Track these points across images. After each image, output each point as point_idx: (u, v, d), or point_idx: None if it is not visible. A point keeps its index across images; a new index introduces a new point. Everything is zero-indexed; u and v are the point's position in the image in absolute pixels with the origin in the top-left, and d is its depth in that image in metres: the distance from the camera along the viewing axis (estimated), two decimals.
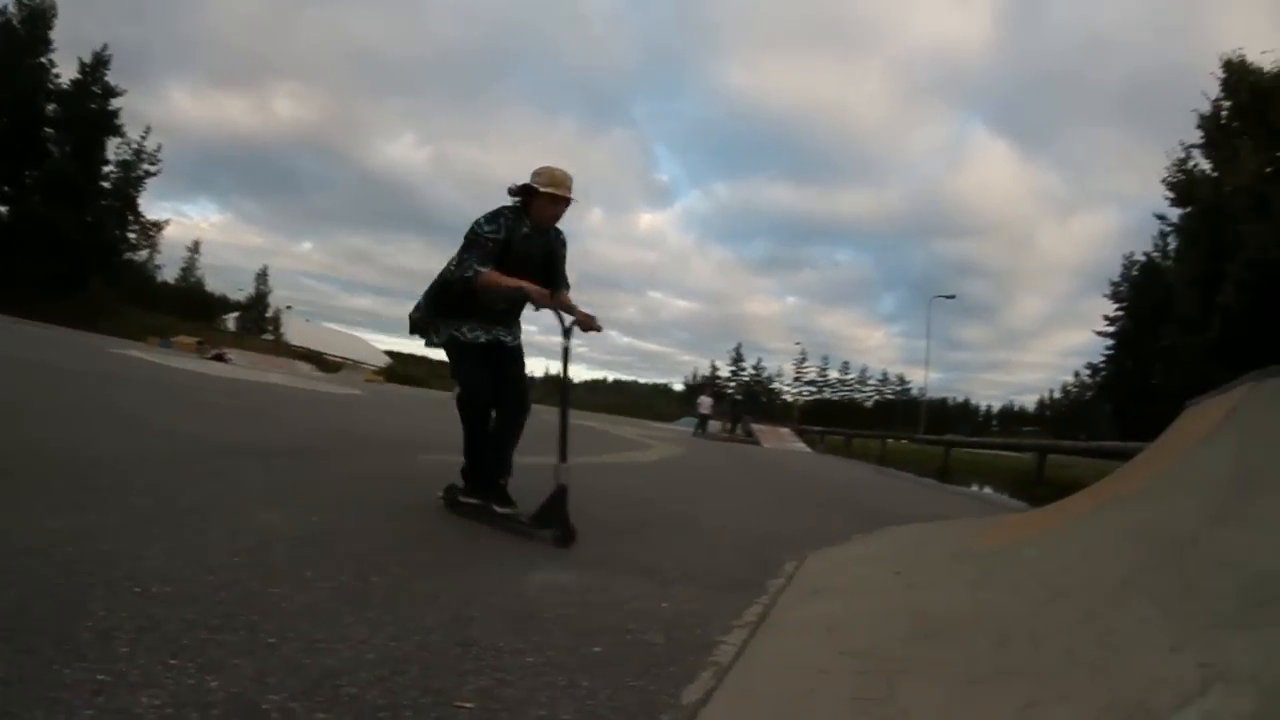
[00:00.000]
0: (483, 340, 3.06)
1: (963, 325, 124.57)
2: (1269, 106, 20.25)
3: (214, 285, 57.85)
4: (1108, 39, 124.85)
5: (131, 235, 36.58)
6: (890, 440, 22.80)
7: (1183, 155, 23.93)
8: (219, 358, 25.01)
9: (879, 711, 1.34)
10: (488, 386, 3.05)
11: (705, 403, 25.79)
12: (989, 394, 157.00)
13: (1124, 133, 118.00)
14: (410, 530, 2.76)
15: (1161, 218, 27.23)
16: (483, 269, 2.87)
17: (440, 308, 3.09)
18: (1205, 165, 23.22)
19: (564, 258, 3.23)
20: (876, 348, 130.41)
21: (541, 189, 2.92)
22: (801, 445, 23.95)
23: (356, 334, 68.41)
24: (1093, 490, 3.58)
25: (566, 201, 2.99)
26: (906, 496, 9.07)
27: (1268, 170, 19.19)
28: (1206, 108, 22.82)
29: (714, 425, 25.76)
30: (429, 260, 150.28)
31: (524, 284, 2.87)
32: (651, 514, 4.19)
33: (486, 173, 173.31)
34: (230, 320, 48.25)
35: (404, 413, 12.29)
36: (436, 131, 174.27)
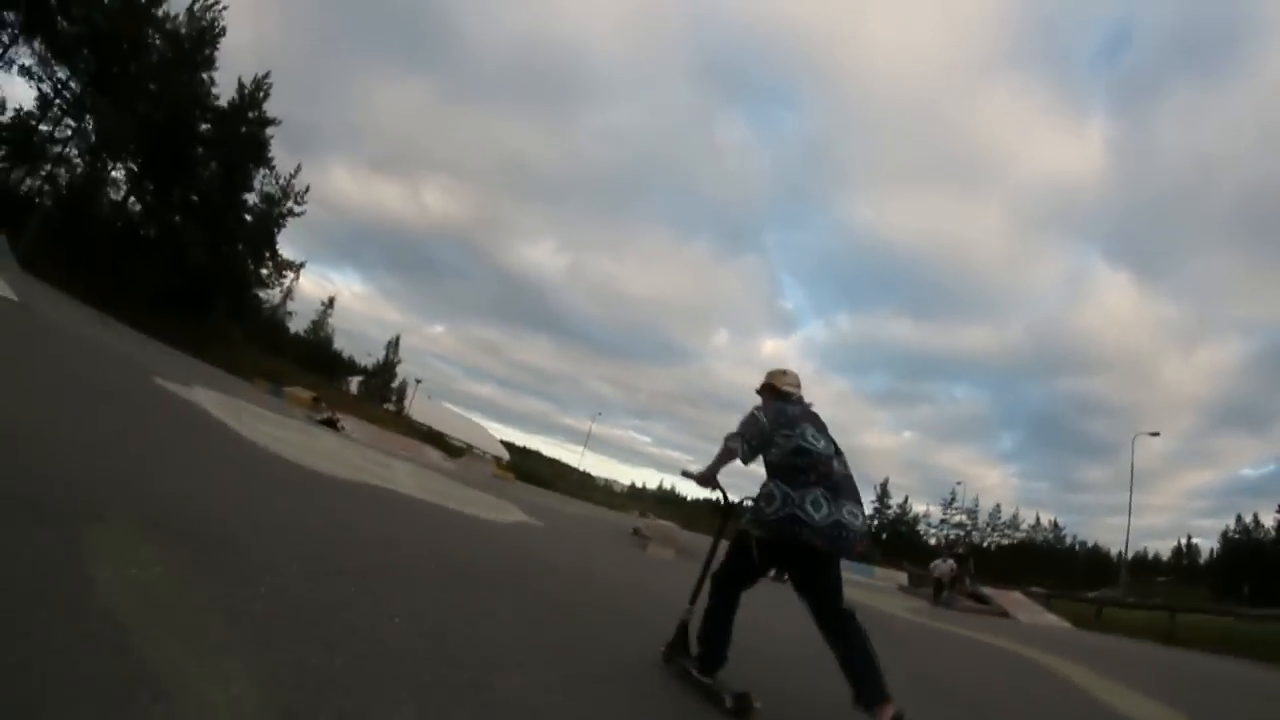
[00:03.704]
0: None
1: (1082, 465, 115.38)
2: None
3: (341, 346, 56.39)
4: (1216, 154, 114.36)
5: (264, 272, 35.71)
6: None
7: None
8: (331, 423, 22.50)
9: None
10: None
11: (944, 567, 18.50)
12: (1112, 539, 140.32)
13: (1244, 253, 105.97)
14: None
15: None
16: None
17: None
18: None
19: None
20: (993, 486, 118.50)
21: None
22: (1052, 618, 15.59)
23: (474, 418, 66.28)
24: None
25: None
26: None
27: None
28: None
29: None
30: (555, 361, 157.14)
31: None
32: None
33: (619, 285, 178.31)
34: (353, 383, 46.90)
35: (631, 575, 7.58)
36: (574, 240, 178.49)
